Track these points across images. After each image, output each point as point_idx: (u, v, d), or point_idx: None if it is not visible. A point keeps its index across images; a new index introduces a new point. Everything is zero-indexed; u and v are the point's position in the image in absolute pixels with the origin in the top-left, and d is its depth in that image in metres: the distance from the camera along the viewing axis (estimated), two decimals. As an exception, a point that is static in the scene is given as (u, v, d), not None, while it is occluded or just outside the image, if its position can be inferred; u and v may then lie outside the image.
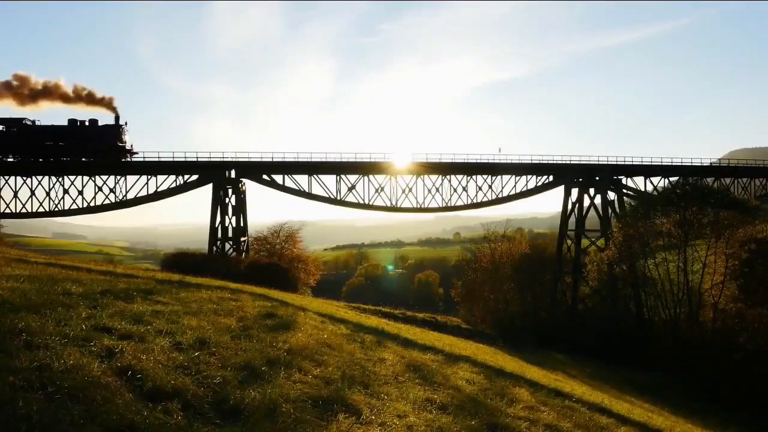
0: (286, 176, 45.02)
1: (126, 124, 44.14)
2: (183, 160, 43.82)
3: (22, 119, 42.26)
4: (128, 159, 43.69)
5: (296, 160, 45.04)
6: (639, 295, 42.51)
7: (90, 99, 47.23)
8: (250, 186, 45.81)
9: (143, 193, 43.95)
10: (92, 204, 44.06)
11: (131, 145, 43.95)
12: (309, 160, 45.18)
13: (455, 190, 47.70)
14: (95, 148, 42.25)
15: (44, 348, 4.58)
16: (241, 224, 44.67)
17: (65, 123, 43.11)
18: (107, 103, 46.85)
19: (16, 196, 43.31)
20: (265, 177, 44.56)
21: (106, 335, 5.45)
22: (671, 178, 48.39)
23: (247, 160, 44.41)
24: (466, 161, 47.31)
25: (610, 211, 47.62)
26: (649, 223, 40.27)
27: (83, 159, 42.82)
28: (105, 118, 46.74)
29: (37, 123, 43.25)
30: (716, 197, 39.19)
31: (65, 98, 47.77)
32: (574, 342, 38.48)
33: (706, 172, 50.87)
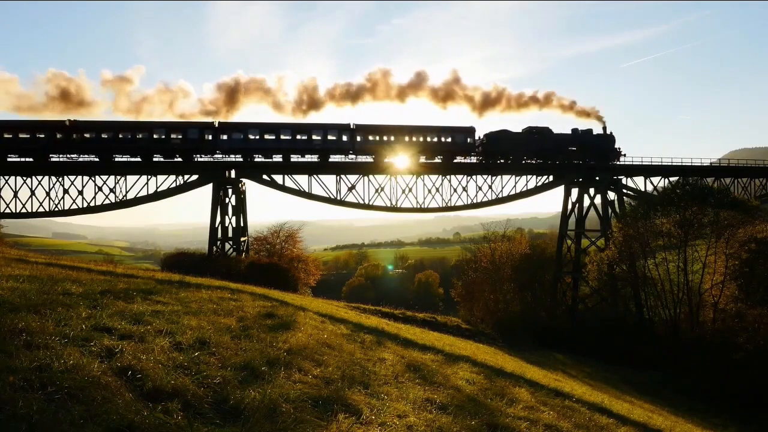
0: (286, 176, 44.96)
1: (611, 132, 49.98)
2: (183, 159, 43.80)
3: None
4: (618, 162, 49.46)
5: (296, 160, 45.04)
6: (639, 295, 42.52)
7: (574, 109, 55.60)
8: (250, 186, 45.82)
9: (143, 193, 43.87)
10: (92, 204, 44.00)
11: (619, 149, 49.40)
12: (309, 159, 45.19)
13: (455, 190, 47.73)
14: (599, 153, 48.55)
15: (44, 348, 4.58)
16: (241, 224, 44.66)
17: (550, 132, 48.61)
18: (595, 114, 54.23)
19: (16, 196, 43.26)
20: (265, 177, 44.49)
21: (106, 335, 5.44)
22: (671, 178, 48.42)
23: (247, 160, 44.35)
24: (466, 161, 47.32)
25: (610, 211, 47.62)
26: (649, 223, 40.26)
27: (590, 162, 48.41)
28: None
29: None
30: (716, 197, 39.21)
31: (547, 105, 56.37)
32: (574, 342, 38.52)
33: (706, 172, 50.92)
